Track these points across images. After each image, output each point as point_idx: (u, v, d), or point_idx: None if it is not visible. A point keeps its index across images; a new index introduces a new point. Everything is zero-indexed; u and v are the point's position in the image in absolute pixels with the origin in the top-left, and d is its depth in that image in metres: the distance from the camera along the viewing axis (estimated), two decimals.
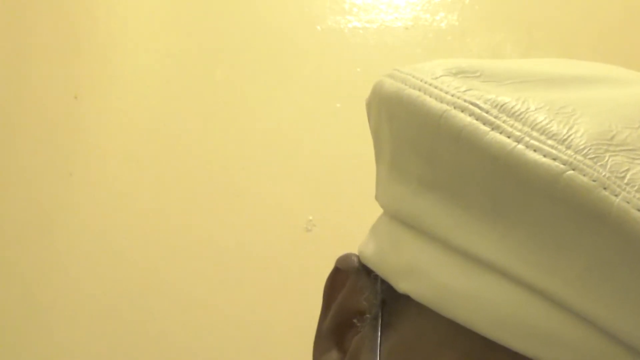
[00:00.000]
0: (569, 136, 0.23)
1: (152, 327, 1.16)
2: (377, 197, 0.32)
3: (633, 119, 0.25)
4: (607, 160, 0.22)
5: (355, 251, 0.34)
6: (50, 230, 1.22)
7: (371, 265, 0.31)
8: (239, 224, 1.17)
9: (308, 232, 1.15)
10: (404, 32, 1.21)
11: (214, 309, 1.15)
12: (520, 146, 0.23)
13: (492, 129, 0.24)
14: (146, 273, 1.18)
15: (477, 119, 0.25)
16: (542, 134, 0.23)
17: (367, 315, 0.31)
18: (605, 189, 0.22)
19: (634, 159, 0.23)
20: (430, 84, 0.27)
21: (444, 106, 0.26)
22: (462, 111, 0.25)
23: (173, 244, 1.18)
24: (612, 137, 0.23)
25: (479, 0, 1.20)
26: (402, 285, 0.28)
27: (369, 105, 0.32)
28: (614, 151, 0.23)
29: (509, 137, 0.24)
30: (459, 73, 0.27)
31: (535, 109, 0.24)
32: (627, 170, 0.22)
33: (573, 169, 0.22)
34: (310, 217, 1.15)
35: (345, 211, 1.11)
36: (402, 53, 1.19)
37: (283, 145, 1.18)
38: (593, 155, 0.23)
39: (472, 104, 0.25)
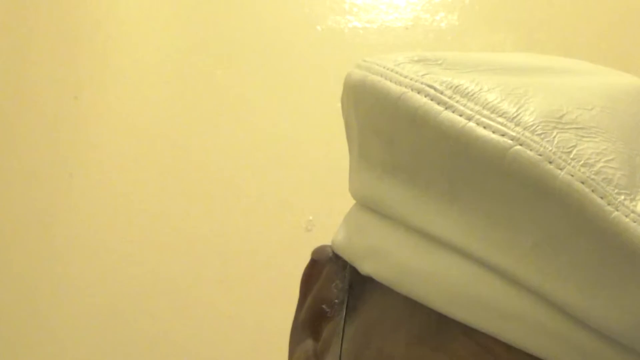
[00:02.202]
0: (518, 114, 0.24)
1: (152, 327, 1.16)
2: (349, 188, 0.33)
3: (587, 101, 0.25)
4: (555, 136, 0.23)
5: None
6: (50, 230, 1.22)
7: (339, 251, 0.31)
8: (239, 223, 1.17)
9: (308, 232, 1.15)
10: (404, 32, 1.21)
11: (214, 309, 1.15)
12: (471, 123, 0.24)
13: (446, 109, 0.25)
14: (146, 273, 1.18)
15: (431, 100, 0.25)
16: (492, 112, 0.24)
17: (336, 301, 0.32)
18: (550, 162, 0.22)
19: (582, 136, 0.23)
20: (391, 70, 0.27)
21: (402, 89, 0.26)
22: (419, 93, 0.26)
23: (173, 244, 1.18)
24: (562, 116, 0.24)
25: (479, 0, 1.20)
26: (365, 267, 0.28)
27: (342, 98, 0.32)
28: (562, 129, 0.23)
29: (460, 115, 0.24)
30: (420, 60, 0.28)
31: (488, 89, 0.25)
32: (574, 146, 0.23)
33: (520, 144, 0.23)
34: (310, 217, 1.15)
35: (345, 211, 1.11)
36: None
37: (283, 145, 1.18)
38: (540, 132, 0.23)
39: (428, 85, 0.26)
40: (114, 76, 1.26)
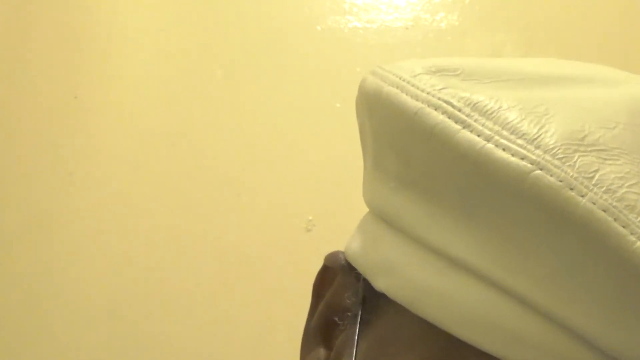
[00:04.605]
0: (538, 135, 0.23)
1: (152, 327, 1.16)
2: (363, 195, 0.32)
3: (610, 119, 0.24)
4: (576, 161, 0.22)
5: None
6: (50, 230, 1.22)
7: (353, 262, 0.31)
8: (239, 224, 1.17)
9: (308, 232, 1.14)
10: (404, 32, 1.20)
11: (214, 309, 1.15)
12: (490, 145, 0.23)
13: (463, 128, 0.24)
14: (146, 273, 1.18)
15: (449, 117, 0.24)
16: (512, 133, 0.23)
17: (348, 314, 0.31)
18: (572, 189, 0.22)
19: (605, 159, 0.23)
20: (407, 82, 0.27)
21: (419, 104, 0.25)
22: (436, 109, 0.25)
23: (173, 244, 1.18)
24: (584, 137, 0.23)
25: (479, 0, 1.20)
26: (379, 283, 0.28)
27: (356, 102, 0.32)
28: (584, 151, 0.23)
29: (479, 135, 0.24)
30: (438, 71, 0.27)
31: (508, 108, 0.24)
32: (596, 170, 0.22)
33: (540, 169, 0.22)
34: (310, 217, 1.15)
35: (345, 211, 1.11)
36: (402, 53, 1.19)
37: (283, 145, 1.18)
38: (562, 155, 0.22)
39: (445, 102, 0.25)
40: (114, 76, 1.26)
